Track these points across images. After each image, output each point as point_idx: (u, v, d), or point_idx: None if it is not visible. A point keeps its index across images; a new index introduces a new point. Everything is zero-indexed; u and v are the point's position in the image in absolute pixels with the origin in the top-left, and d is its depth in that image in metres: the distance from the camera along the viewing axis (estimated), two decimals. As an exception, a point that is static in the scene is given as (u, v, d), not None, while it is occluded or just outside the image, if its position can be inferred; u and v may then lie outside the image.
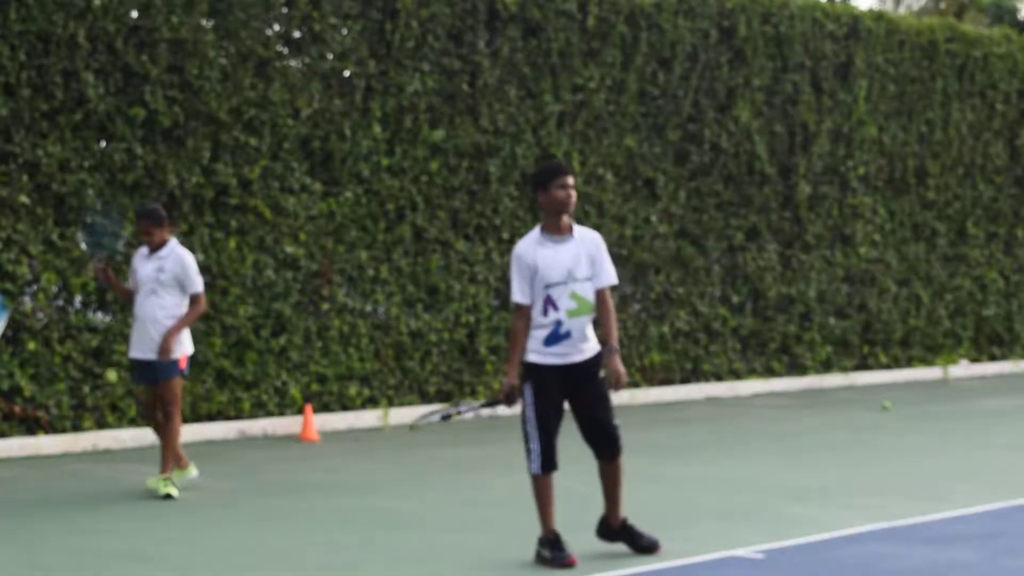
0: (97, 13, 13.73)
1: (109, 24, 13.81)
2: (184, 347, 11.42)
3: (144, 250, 11.47)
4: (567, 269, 8.98)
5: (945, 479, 12.36)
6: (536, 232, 9.11)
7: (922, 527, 10.18)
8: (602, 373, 9.10)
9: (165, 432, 11.43)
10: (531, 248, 9.02)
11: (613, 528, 9.38)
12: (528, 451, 9.04)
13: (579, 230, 9.15)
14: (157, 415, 11.47)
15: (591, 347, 9.09)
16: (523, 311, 8.97)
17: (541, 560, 8.96)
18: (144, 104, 14.03)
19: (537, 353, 9.00)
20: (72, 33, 13.60)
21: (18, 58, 13.35)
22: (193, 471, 11.53)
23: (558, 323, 8.95)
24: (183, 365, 11.43)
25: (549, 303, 8.95)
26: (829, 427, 16.10)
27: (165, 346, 11.25)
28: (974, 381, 21.42)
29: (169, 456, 11.43)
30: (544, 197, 9.04)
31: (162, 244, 11.39)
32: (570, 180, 9.05)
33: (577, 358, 9.02)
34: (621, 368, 9.08)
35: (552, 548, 8.94)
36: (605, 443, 9.21)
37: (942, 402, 18.69)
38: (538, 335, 8.98)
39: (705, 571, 8.88)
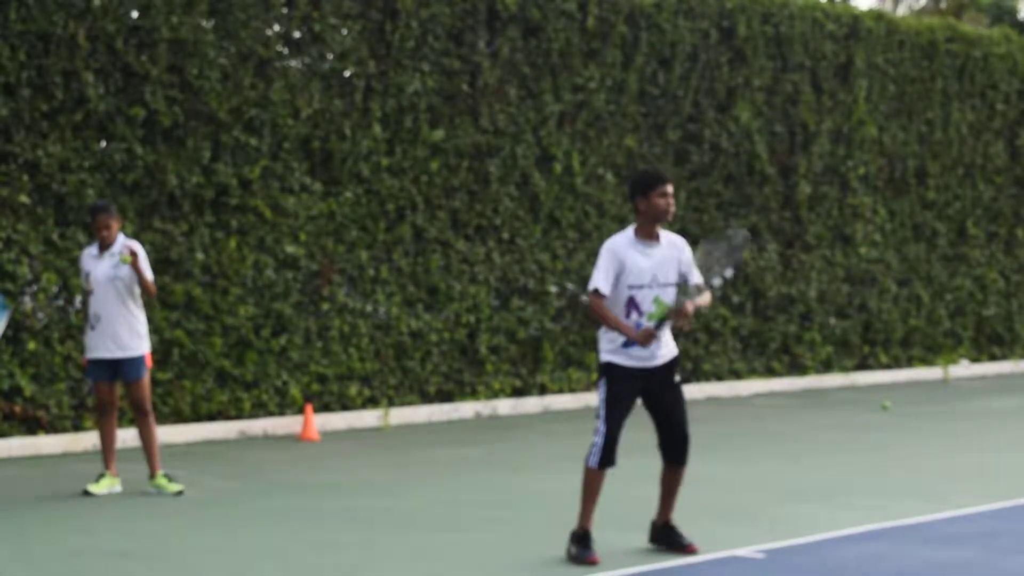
0: (97, 13, 13.73)
1: (109, 24, 13.81)
2: (146, 343, 11.52)
3: (93, 250, 11.47)
4: (653, 274, 9.06)
5: (945, 479, 12.37)
6: (629, 233, 9.17)
7: (922, 527, 10.18)
8: (677, 377, 9.20)
9: (145, 431, 11.51)
10: (623, 246, 9.10)
11: (658, 526, 9.45)
12: (592, 443, 9.12)
13: (665, 235, 9.22)
14: (114, 413, 11.56)
15: (669, 351, 9.16)
16: (601, 298, 9.02)
17: (569, 555, 9.02)
18: (144, 104, 14.04)
19: (614, 354, 9.09)
20: (72, 33, 13.60)
21: (18, 58, 13.35)
22: (119, 484, 11.56)
23: (638, 326, 9.02)
24: (149, 363, 11.58)
25: (632, 305, 9.04)
26: (829, 427, 16.10)
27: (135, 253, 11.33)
28: (974, 381, 21.42)
29: (155, 453, 11.54)
30: (644, 203, 9.11)
31: (112, 240, 11.44)
32: (670, 188, 9.16)
33: (654, 362, 9.10)
34: (691, 309, 9.01)
35: (580, 544, 9.01)
36: (678, 448, 9.28)
37: (942, 402, 18.69)
38: (619, 337, 9.04)
39: (705, 571, 8.88)
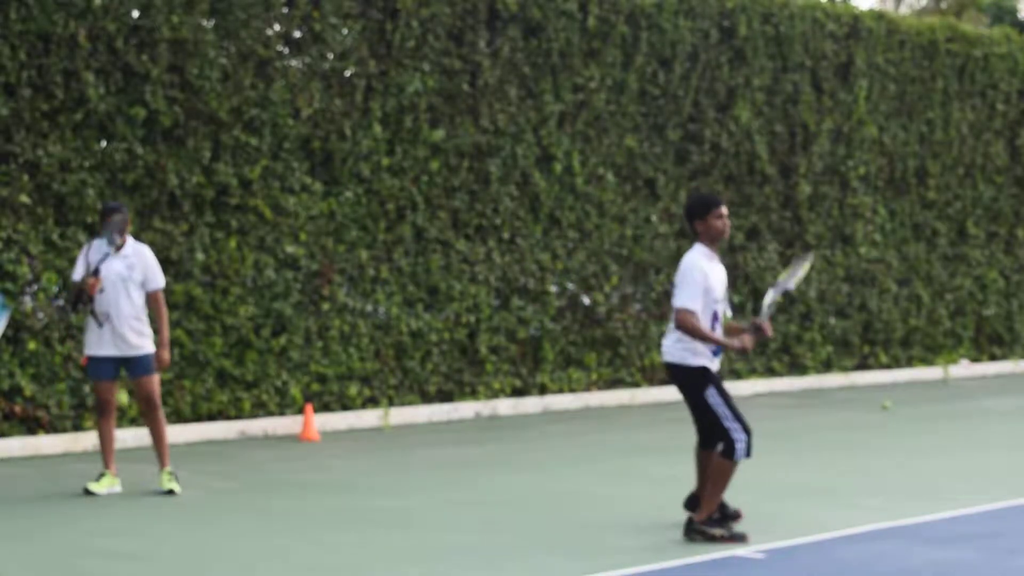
0: (97, 13, 13.72)
1: (109, 24, 13.81)
2: (151, 343, 11.58)
3: (103, 246, 11.48)
4: (723, 288, 9.76)
5: (945, 479, 12.37)
6: (702, 248, 9.74)
7: (922, 527, 10.18)
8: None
9: (155, 426, 11.57)
10: (705, 262, 9.67)
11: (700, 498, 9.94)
12: (733, 440, 9.59)
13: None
14: (113, 413, 11.57)
15: None
16: (694, 317, 9.56)
17: (712, 538, 9.45)
18: (144, 104, 14.03)
19: (707, 359, 9.68)
20: (72, 33, 13.60)
21: (18, 58, 13.35)
22: (118, 484, 11.57)
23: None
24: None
25: (715, 318, 9.66)
26: (829, 427, 16.11)
27: (166, 357, 11.58)
28: (974, 381, 21.42)
29: (165, 447, 11.61)
30: (703, 226, 9.79)
31: (123, 241, 11.49)
32: (725, 210, 9.81)
33: (719, 366, 9.84)
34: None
35: (726, 527, 9.55)
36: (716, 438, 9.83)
37: (942, 402, 18.69)
38: (710, 346, 9.64)
39: (705, 571, 8.89)
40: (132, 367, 11.49)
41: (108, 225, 11.38)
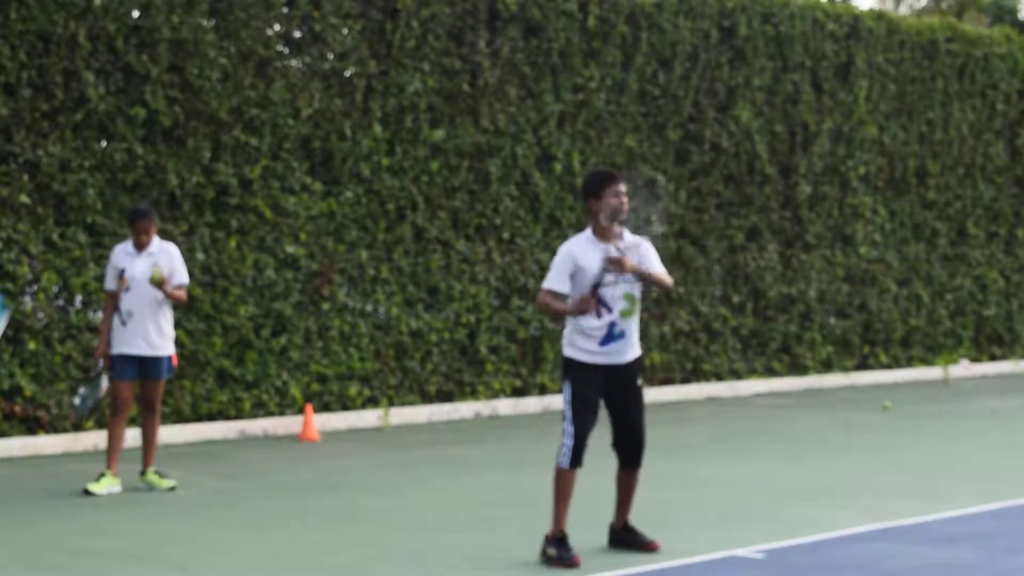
0: (97, 13, 13.73)
1: (109, 24, 13.81)
2: (172, 344, 11.68)
3: (128, 248, 11.60)
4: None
5: (945, 479, 12.37)
6: (586, 234, 9.23)
7: (922, 527, 10.19)
8: (639, 380, 9.30)
9: (151, 428, 11.66)
10: (581, 246, 9.15)
11: (617, 529, 9.48)
12: (561, 445, 9.12)
13: (624, 232, 9.29)
14: (127, 414, 11.63)
15: (635, 351, 9.29)
16: (549, 295, 9.07)
17: (546, 558, 8.99)
18: (144, 104, 14.03)
19: (585, 352, 9.10)
20: (72, 33, 13.60)
21: (18, 58, 13.35)
22: (118, 484, 11.59)
23: (612, 324, 9.13)
24: (175, 362, 11.82)
25: (602, 305, 9.07)
26: (829, 427, 16.11)
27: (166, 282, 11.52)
28: (974, 381, 21.42)
29: (154, 449, 11.71)
30: (597, 205, 9.17)
31: (149, 243, 11.60)
32: (623, 187, 9.19)
33: (621, 359, 9.18)
34: (632, 264, 9.18)
35: (559, 547, 8.99)
36: (634, 450, 9.35)
37: (942, 402, 18.70)
38: (595, 335, 9.10)
39: (705, 571, 8.89)
40: (149, 368, 11.56)
41: (134, 232, 11.58)
